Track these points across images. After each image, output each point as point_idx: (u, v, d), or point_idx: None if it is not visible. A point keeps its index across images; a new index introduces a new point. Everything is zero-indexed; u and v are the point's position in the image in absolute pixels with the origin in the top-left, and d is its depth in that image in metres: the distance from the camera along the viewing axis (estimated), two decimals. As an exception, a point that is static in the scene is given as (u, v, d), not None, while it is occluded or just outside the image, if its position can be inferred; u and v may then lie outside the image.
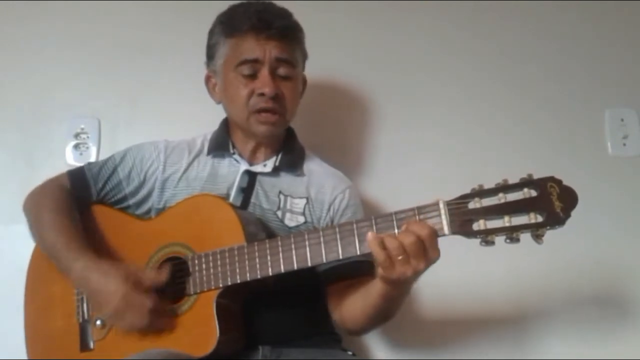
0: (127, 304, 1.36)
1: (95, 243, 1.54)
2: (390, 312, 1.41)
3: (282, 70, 1.55)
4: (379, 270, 1.24)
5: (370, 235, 1.21)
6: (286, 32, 1.55)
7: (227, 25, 1.57)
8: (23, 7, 2.03)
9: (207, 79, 1.66)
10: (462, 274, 1.83)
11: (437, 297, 1.83)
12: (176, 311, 1.41)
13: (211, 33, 1.62)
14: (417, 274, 1.20)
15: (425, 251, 1.18)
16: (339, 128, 2.01)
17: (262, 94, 1.52)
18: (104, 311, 1.40)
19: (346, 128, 2.01)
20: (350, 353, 1.58)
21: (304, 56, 1.64)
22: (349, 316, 1.49)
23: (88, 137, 1.99)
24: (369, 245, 1.21)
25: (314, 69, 1.72)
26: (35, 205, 1.58)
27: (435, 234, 1.19)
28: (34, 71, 2.01)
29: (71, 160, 1.96)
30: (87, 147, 1.98)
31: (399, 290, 1.30)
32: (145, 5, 2.03)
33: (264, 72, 1.53)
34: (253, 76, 1.54)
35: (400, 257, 1.18)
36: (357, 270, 1.47)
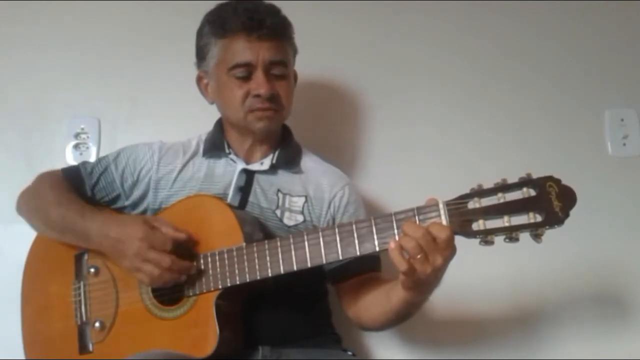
0: (149, 245, 1.37)
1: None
2: (411, 314, 1.41)
3: (275, 70, 1.54)
4: (401, 277, 1.23)
5: (392, 244, 1.20)
6: (277, 31, 1.53)
7: (217, 25, 1.55)
8: (23, 7, 2.02)
9: (199, 80, 1.64)
10: (462, 273, 1.81)
11: (437, 297, 1.82)
12: (176, 312, 1.41)
13: (200, 33, 1.60)
14: (435, 271, 1.19)
15: (437, 245, 1.17)
16: (334, 127, 2.01)
17: (258, 95, 1.52)
18: (127, 257, 1.39)
19: (342, 127, 2.01)
20: (350, 353, 1.57)
21: (295, 51, 1.62)
22: (367, 317, 1.49)
23: (88, 137, 1.98)
24: (391, 255, 1.20)
25: (309, 68, 1.73)
26: (34, 192, 1.59)
27: (438, 225, 1.18)
28: (34, 71, 2.01)
29: (71, 160, 1.95)
30: (87, 147, 1.98)
31: (421, 296, 1.30)
32: (145, 6, 2.02)
33: (259, 74, 1.52)
34: (247, 77, 1.53)
35: (419, 256, 1.17)
36: (366, 267, 1.48)
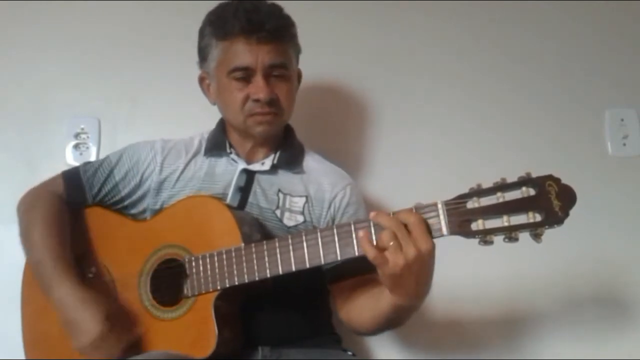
0: (98, 346, 1.36)
1: (91, 246, 1.55)
2: (401, 320, 1.39)
3: (276, 73, 1.52)
4: (379, 274, 1.21)
5: (361, 232, 1.20)
6: (278, 33, 1.51)
7: (217, 27, 1.54)
8: (23, 7, 2.03)
9: (201, 80, 1.64)
10: (461, 274, 1.83)
11: (436, 297, 1.82)
12: (175, 313, 1.41)
13: (201, 34, 1.58)
14: (409, 264, 1.16)
15: (410, 235, 1.16)
16: (338, 129, 2.01)
17: (257, 100, 1.51)
18: (75, 343, 1.39)
19: (345, 129, 2.01)
20: (350, 353, 1.57)
21: (298, 51, 1.61)
22: (357, 320, 1.47)
23: (88, 137, 1.98)
24: (361, 244, 1.20)
25: (313, 70, 1.72)
26: (27, 215, 1.56)
27: (410, 211, 1.18)
28: (34, 71, 2.01)
29: (71, 160, 1.96)
30: (87, 147, 1.98)
31: (409, 300, 1.26)
32: (145, 5, 2.02)
33: (258, 78, 1.50)
34: (247, 80, 1.51)
35: (391, 243, 1.16)
36: (361, 268, 1.45)
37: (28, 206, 1.58)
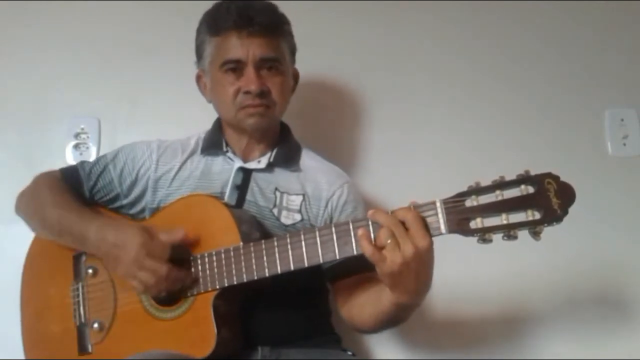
0: (147, 252, 1.35)
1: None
2: (402, 318, 1.38)
3: (268, 66, 1.53)
4: (378, 272, 1.21)
5: (360, 231, 1.20)
6: (269, 28, 1.53)
7: (210, 23, 1.56)
8: (23, 7, 2.03)
9: (198, 78, 1.65)
10: (460, 273, 1.83)
11: (436, 297, 1.82)
12: (174, 313, 1.41)
13: (198, 32, 1.61)
14: (407, 261, 1.16)
15: (408, 232, 1.16)
16: (337, 128, 2.01)
17: (248, 92, 1.51)
18: (123, 263, 1.37)
19: (341, 127, 2.01)
20: (350, 353, 1.57)
21: (292, 48, 1.62)
22: (359, 318, 1.47)
23: (88, 137, 1.99)
24: (359, 239, 1.20)
25: (309, 68, 1.73)
26: (32, 193, 1.58)
27: (408, 208, 1.18)
28: (34, 71, 2.01)
29: (71, 160, 1.96)
30: (87, 147, 1.98)
31: (409, 298, 1.25)
32: (144, 6, 2.03)
33: (249, 70, 1.51)
34: (239, 74, 1.53)
35: (389, 241, 1.16)
36: (362, 266, 1.43)
37: (29, 192, 1.60)
